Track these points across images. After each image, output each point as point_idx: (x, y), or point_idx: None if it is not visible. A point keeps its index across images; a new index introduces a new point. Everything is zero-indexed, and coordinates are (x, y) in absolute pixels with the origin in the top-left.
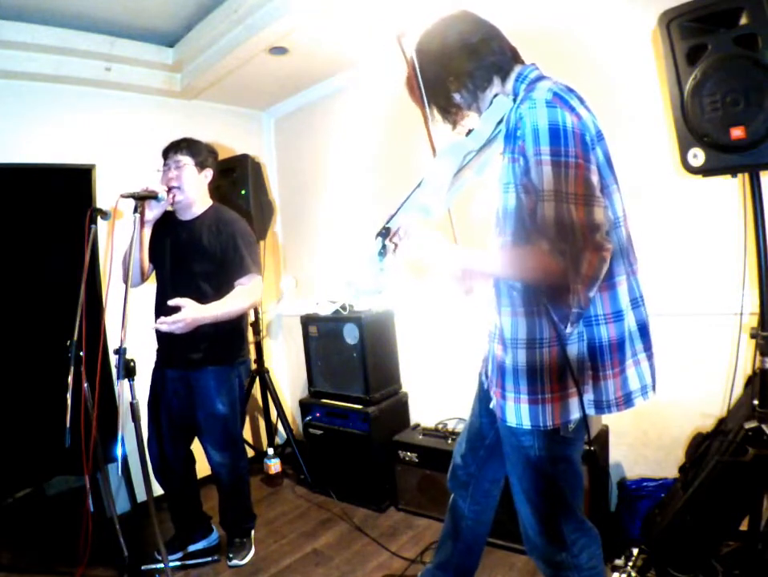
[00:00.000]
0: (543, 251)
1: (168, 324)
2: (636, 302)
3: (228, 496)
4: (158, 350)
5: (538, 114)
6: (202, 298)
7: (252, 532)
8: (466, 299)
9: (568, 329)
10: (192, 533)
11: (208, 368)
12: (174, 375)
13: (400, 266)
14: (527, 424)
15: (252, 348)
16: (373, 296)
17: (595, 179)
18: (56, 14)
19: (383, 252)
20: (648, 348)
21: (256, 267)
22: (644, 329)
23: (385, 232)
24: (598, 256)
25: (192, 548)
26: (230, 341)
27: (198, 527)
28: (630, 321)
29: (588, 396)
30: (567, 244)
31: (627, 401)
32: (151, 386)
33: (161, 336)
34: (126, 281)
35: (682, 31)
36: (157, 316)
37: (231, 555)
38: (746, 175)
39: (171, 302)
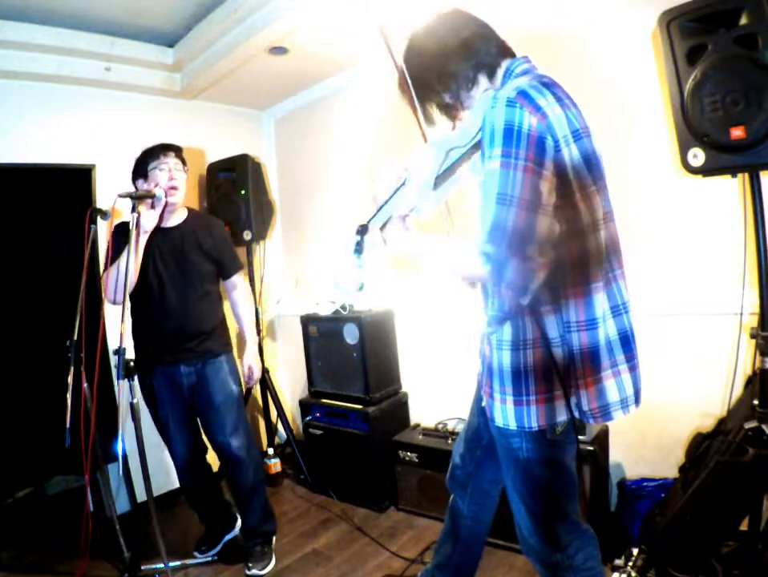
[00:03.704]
0: (471, 249)
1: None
2: (618, 309)
3: (249, 489)
4: (160, 353)
5: (496, 113)
6: (206, 297)
7: (274, 540)
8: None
9: (488, 331)
10: (223, 523)
11: (221, 354)
12: (188, 369)
13: (378, 261)
14: (512, 425)
15: None
16: (356, 294)
17: (546, 185)
18: (56, 14)
19: (359, 248)
20: (630, 358)
21: (241, 263)
22: (626, 339)
23: (362, 230)
24: (526, 266)
25: (228, 537)
26: (227, 331)
27: (228, 516)
28: (610, 330)
29: (573, 399)
30: (495, 247)
31: (604, 414)
32: (159, 391)
33: (170, 335)
34: (120, 296)
35: (682, 31)
36: (159, 323)
37: (250, 565)
38: (746, 175)
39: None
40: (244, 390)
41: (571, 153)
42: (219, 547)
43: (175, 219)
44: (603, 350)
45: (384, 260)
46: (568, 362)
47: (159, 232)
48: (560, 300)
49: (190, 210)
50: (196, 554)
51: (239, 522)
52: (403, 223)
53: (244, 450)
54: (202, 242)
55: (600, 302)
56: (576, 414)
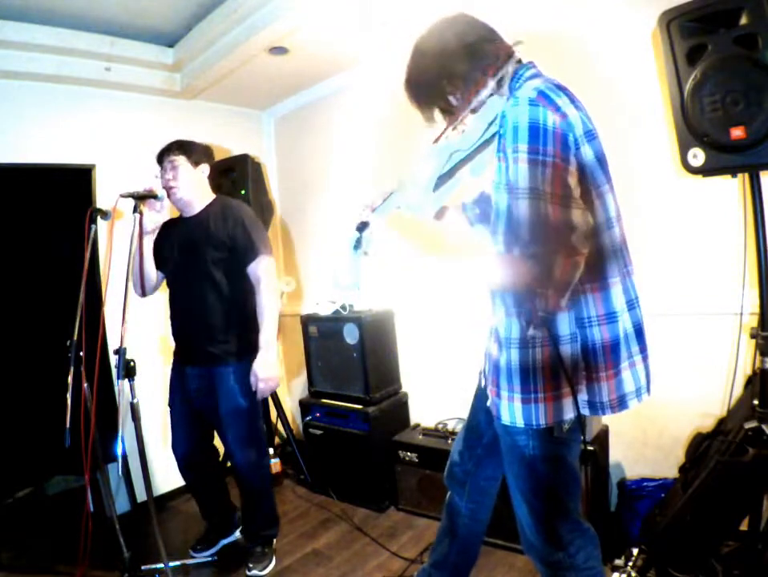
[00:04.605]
0: (515, 256)
1: (265, 388)
2: (632, 303)
3: (253, 497)
4: (176, 348)
5: (519, 111)
6: (214, 285)
7: (275, 541)
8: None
9: (530, 332)
10: (223, 527)
11: (229, 363)
12: (195, 372)
13: (375, 258)
14: (520, 423)
15: None
16: (353, 290)
17: (573, 180)
18: (56, 14)
19: (358, 244)
20: (643, 349)
21: (266, 248)
22: (639, 331)
23: (362, 226)
24: (571, 260)
25: (224, 542)
26: (248, 336)
27: (229, 520)
28: (626, 323)
29: (582, 396)
30: (540, 245)
31: (621, 403)
32: (171, 385)
33: (182, 332)
34: (138, 290)
35: (682, 31)
36: (173, 319)
37: (251, 565)
38: (746, 175)
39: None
40: (259, 402)
41: (586, 152)
42: (214, 549)
43: (197, 207)
44: (622, 343)
45: (382, 256)
46: (583, 358)
47: (180, 224)
48: (578, 295)
49: (218, 197)
50: (191, 552)
51: (238, 531)
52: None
53: (248, 464)
54: (212, 227)
55: (618, 296)
56: (588, 410)
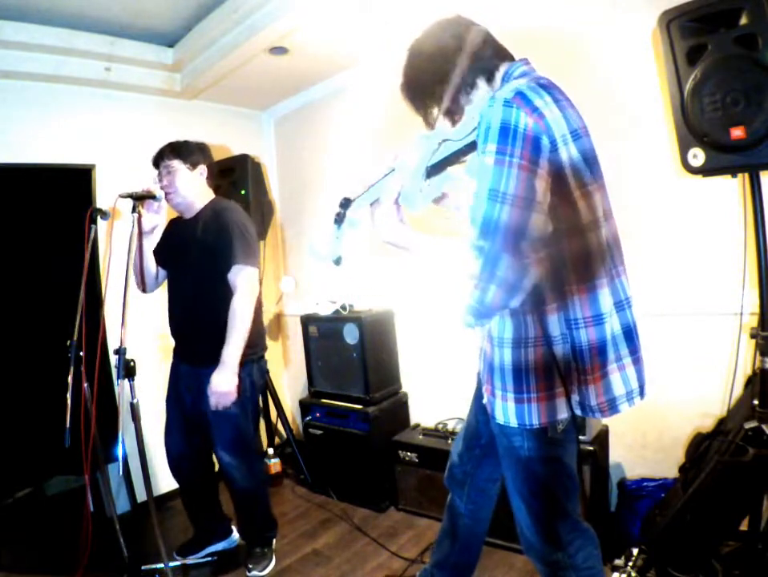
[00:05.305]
0: (466, 244)
1: (217, 403)
2: (621, 305)
3: (242, 501)
4: (175, 341)
5: (493, 112)
6: (201, 288)
7: (274, 541)
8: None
9: (466, 321)
10: (210, 534)
11: (214, 366)
12: (186, 370)
13: (357, 239)
14: (513, 422)
15: None
16: (331, 264)
17: (542, 183)
18: (56, 14)
19: (339, 220)
20: (634, 352)
21: (245, 257)
22: (629, 333)
23: (345, 203)
24: (519, 263)
25: (210, 549)
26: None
27: (216, 528)
28: (614, 325)
29: (574, 396)
30: (487, 241)
31: (611, 406)
32: (168, 381)
33: (174, 330)
34: (140, 286)
35: (682, 31)
36: (169, 316)
37: (250, 566)
38: (746, 175)
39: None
40: (250, 408)
41: (569, 152)
42: (199, 555)
43: (195, 210)
44: (609, 345)
45: (365, 241)
46: (573, 359)
47: (179, 223)
48: (566, 297)
49: (213, 198)
50: (175, 555)
51: (225, 542)
52: (398, 214)
53: (236, 470)
54: (200, 232)
55: (606, 298)
56: (579, 411)
